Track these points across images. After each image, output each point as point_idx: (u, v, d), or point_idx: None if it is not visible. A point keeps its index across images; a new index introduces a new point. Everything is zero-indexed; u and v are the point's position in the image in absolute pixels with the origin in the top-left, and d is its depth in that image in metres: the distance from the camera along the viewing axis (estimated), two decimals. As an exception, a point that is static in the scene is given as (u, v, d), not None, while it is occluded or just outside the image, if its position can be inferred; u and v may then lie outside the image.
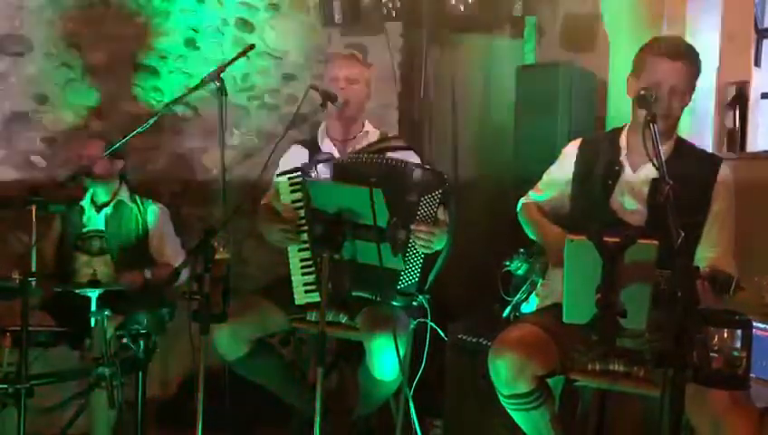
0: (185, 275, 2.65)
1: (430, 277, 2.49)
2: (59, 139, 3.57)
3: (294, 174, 2.53)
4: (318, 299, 2.45)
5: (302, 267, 2.55)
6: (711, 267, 2.02)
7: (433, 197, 2.39)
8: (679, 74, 2.13)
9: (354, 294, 2.47)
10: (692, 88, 2.18)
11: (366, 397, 2.61)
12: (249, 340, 2.53)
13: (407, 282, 2.43)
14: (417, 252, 2.41)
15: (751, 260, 2.16)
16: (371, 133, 2.77)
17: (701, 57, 2.19)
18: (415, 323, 2.58)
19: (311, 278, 2.52)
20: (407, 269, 2.42)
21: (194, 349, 2.12)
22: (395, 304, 2.47)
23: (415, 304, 2.51)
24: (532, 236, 2.44)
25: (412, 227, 2.34)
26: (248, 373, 2.64)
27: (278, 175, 2.63)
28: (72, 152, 3.27)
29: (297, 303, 2.55)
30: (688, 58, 2.15)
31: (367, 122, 2.80)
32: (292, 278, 2.56)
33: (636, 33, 2.28)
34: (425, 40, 3.85)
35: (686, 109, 2.80)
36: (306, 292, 2.53)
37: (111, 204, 3.13)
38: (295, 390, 2.70)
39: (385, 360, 2.38)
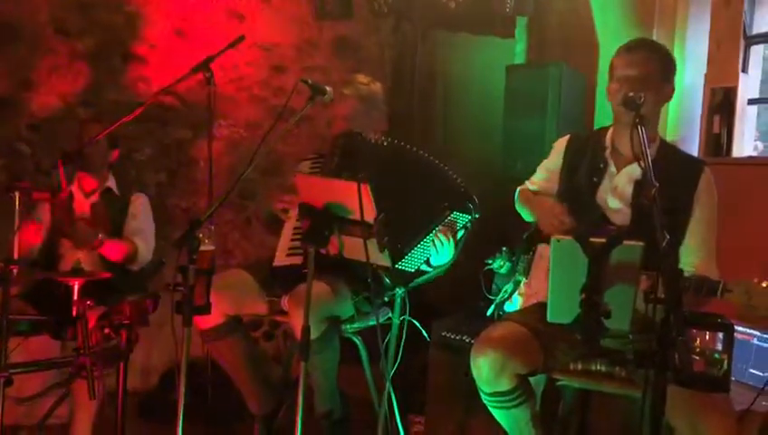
0: (146, 255, 2.89)
1: (418, 279, 2.51)
2: (45, 126, 3.53)
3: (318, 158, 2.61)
4: (297, 261, 2.47)
5: (294, 233, 2.57)
6: (695, 274, 2.04)
7: (463, 217, 2.53)
8: (638, 64, 2.15)
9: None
10: (661, 79, 2.17)
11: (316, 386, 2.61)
12: (225, 313, 2.54)
13: (404, 266, 2.42)
14: (428, 249, 2.45)
15: (736, 265, 2.17)
16: None
17: (691, 62, 2.20)
18: (398, 320, 2.58)
19: (297, 244, 2.53)
20: (411, 257, 2.43)
21: (176, 341, 2.11)
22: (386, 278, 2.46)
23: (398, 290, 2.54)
24: (528, 219, 2.47)
25: (438, 227, 2.46)
26: (218, 350, 2.64)
27: (304, 159, 2.71)
28: (67, 137, 3.22)
29: (275, 264, 2.55)
30: (644, 48, 2.18)
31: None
32: (280, 241, 2.58)
33: (626, 34, 2.29)
34: (416, 37, 3.85)
35: (673, 113, 2.81)
36: (288, 255, 2.55)
37: (99, 191, 3.09)
38: (256, 380, 2.69)
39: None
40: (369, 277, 2.21)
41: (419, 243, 2.44)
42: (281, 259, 2.55)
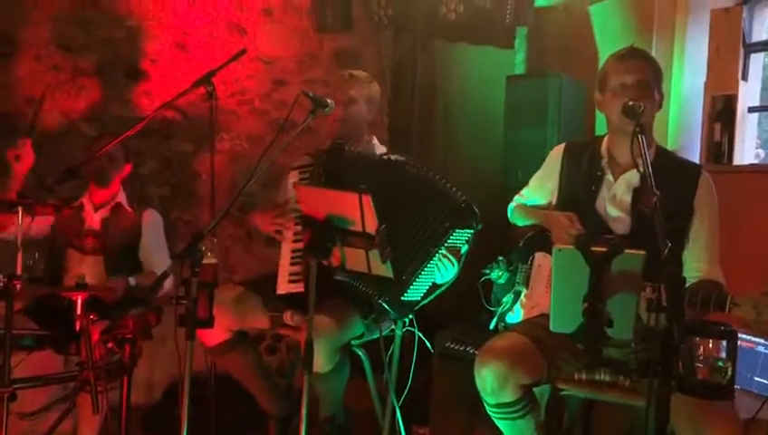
0: (169, 284, 2.63)
1: (423, 301, 2.43)
2: (48, 142, 3.55)
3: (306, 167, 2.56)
4: (300, 289, 2.41)
5: (293, 257, 2.51)
6: (702, 280, 2.03)
7: (466, 233, 2.35)
8: (634, 71, 2.15)
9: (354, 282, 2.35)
10: (655, 87, 2.18)
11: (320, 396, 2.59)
12: (229, 328, 2.53)
13: (411, 296, 2.35)
14: (432, 274, 2.36)
15: (737, 273, 2.17)
16: (378, 147, 2.78)
17: (690, 70, 2.21)
18: (402, 331, 2.58)
19: (297, 269, 2.47)
20: (416, 284, 2.34)
21: (179, 355, 2.11)
22: (386, 306, 2.36)
23: (405, 319, 2.51)
24: (527, 223, 2.46)
25: (442, 251, 2.33)
26: (227, 363, 2.64)
27: (293, 168, 2.65)
28: (71, 152, 3.23)
29: (278, 292, 2.48)
30: (638, 56, 2.19)
31: (375, 139, 2.80)
32: (280, 266, 2.51)
33: (625, 42, 2.29)
34: (416, 47, 3.87)
35: (673, 120, 2.79)
36: (290, 281, 2.48)
37: (109, 205, 3.09)
38: (271, 389, 2.69)
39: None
40: (376, 312, 2.19)
41: (423, 271, 2.33)
42: (283, 287, 2.48)
